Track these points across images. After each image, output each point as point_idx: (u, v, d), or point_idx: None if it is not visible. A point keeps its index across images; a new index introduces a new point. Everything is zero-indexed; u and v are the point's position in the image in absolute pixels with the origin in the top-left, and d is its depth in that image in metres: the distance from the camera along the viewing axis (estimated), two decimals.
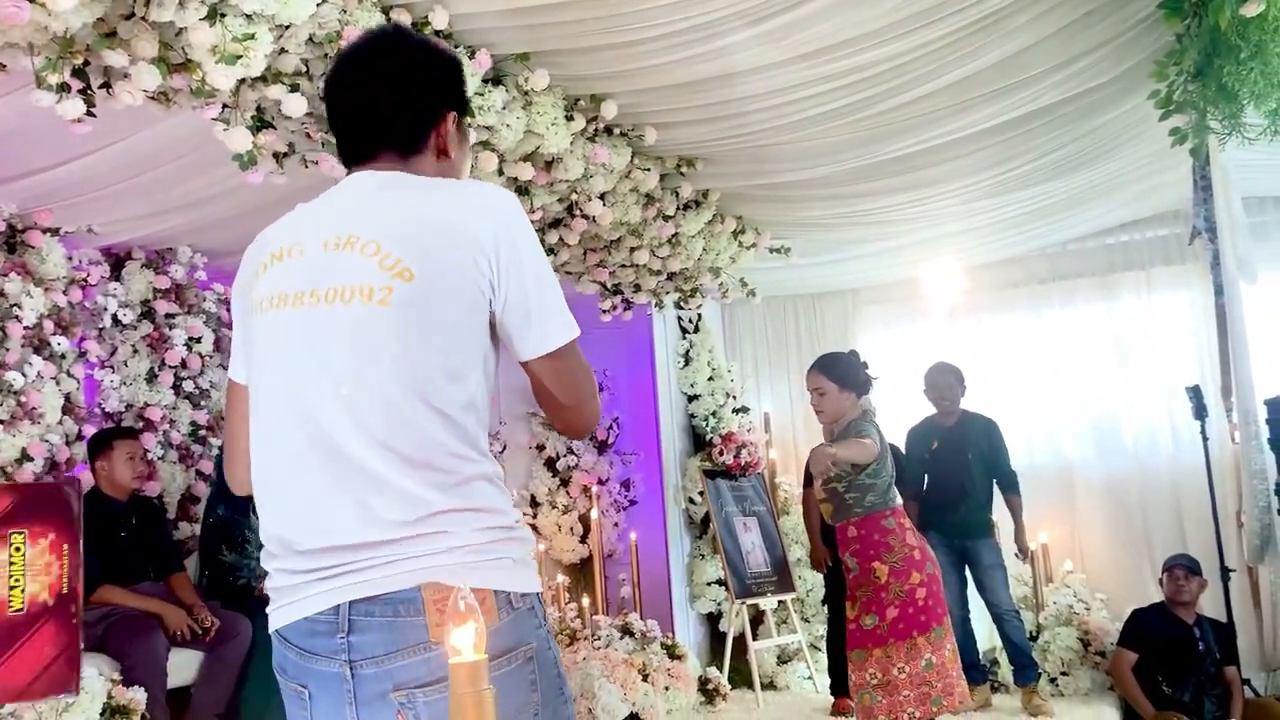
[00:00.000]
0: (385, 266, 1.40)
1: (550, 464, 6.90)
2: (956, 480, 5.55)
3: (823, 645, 6.66)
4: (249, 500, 4.36)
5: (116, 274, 4.85)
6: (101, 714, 3.37)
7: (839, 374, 4.19)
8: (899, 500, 4.16)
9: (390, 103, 1.57)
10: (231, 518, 4.34)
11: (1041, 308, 6.94)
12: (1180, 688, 5.12)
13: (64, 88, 2.77)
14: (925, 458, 5.70)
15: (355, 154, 1.60)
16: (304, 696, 1.46)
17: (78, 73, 2.81)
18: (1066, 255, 6.89)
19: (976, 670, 5.38)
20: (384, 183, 1.54)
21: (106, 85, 2.89)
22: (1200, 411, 5.48)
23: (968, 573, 5.58)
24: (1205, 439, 5.50)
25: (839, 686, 5.66)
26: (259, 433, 1.51)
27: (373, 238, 1.43)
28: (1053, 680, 5.76)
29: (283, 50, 2.97)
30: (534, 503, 6.89)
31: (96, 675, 3.40)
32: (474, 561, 1.39)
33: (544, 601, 1.49)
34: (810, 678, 6.37)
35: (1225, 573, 5.32)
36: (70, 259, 4.55)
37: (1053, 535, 6.60)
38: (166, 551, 4.48)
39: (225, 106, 3.11)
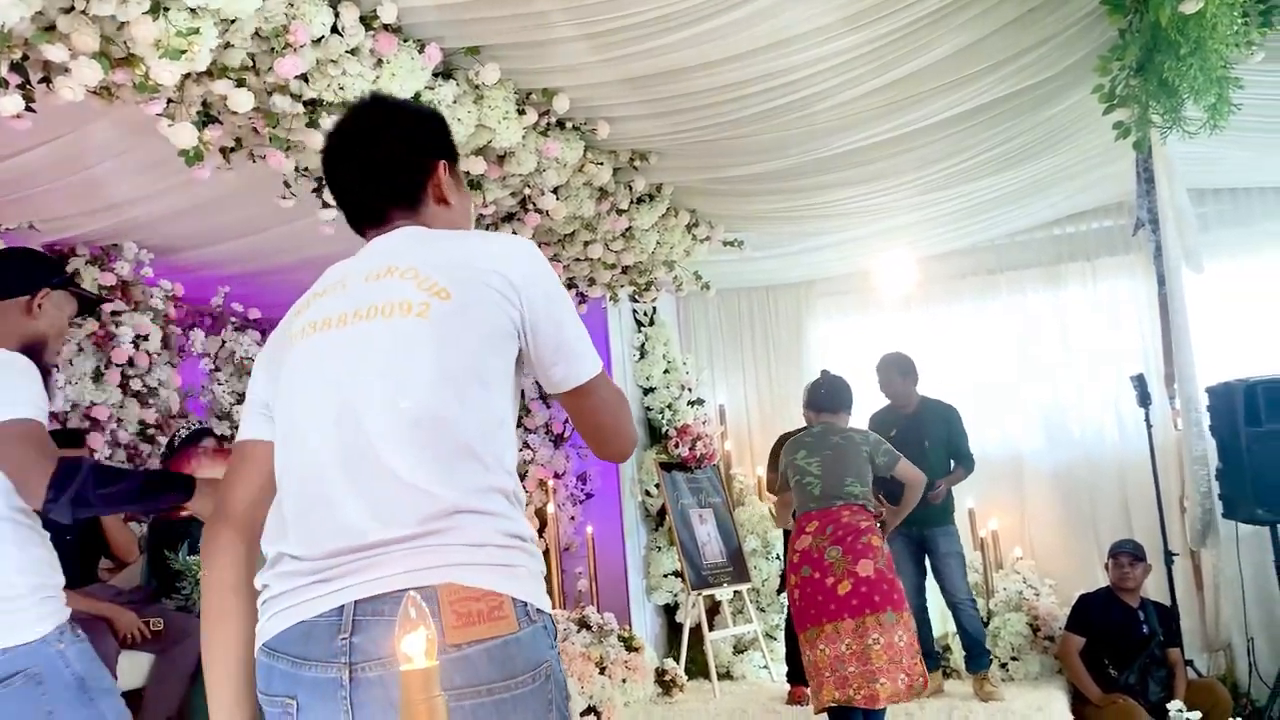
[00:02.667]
0: (423, 287, 1.50)
1: None
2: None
3: (778, 635, 6.73)
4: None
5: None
6: None
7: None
8: (815, 508, 4.30)
9: (382, 165, 1.69)
10: (179, 519, 4.27)
11: (990, 298, 7.04)
12: (1126, 670, 5.23)
13: (2, 83, 2.72)
14: None
15: (365, 218, 1.73)
16: (291, 710, 1.37)
17: (16, 67, 2.76)
18: (1014, 246, 6.99)
19: (930, 658, 5.45)
20: (411, 235, 1.66)
21: (46, 80, 2.84)
22: (1144, 399, 5.60)
23: (927, 562, 5.63)
24: (1149, 426, 5.61)
25: (796, 674, 5.72)
26: (284, 437, 1.52)
27: (410, 265, 1.54)
28: (1003, 665, 5.86)
29: (228, 45, 2.93)
30: None
31: None
32: (492, 564, 1.37)
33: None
34: (766, 667, 6.42)
35: (1169, 557, 5.44)
36: None
37: (1002, 522, 6.70)
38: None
39: (170, 101, 3.07)
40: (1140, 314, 6.53)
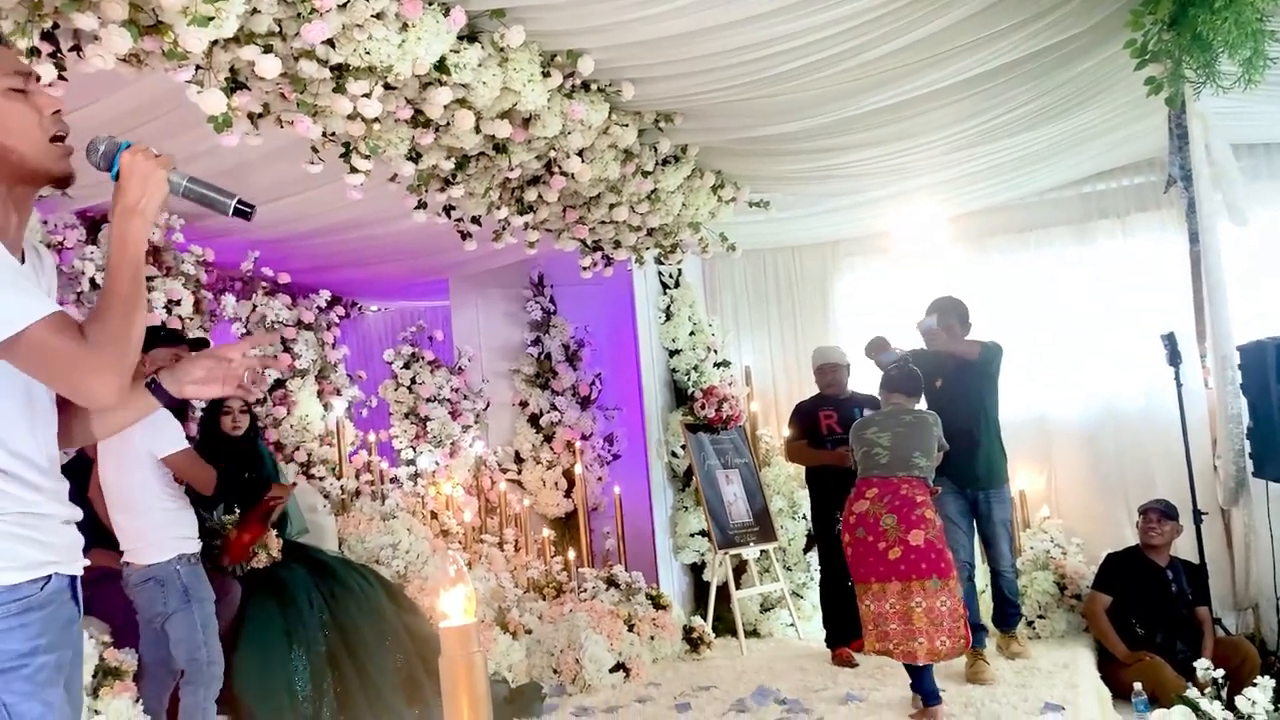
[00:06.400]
0: None
1: (534, 420, 6.94)
2: (962, 424, 5.16)
3: (805, 593, 6.77)
4: (234, 463, 4.35)
5: (93, 237, 4.82)
6: (94, 675, 3.41)
7: None
8: (878, 475, 4.54)
9: None
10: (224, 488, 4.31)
11: (1018, 256, 6.98)
12: (1153, 629, 5.24)
13: (34, 52, 2.75)
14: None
15: None
16: None
17: (47, 36, 2.79)
18: (1044, 204, 6.92)
19: (976, 631, 5.07)
20: None
21: (77, 48, 2.86)
22: (1174, 358, 5.55)
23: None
24: (1179, 385, 5.57)
25: (834, 637, 5.72)
26: None
27: None
28: (1029, 623, 5.88)
29: (255, 10, 2.94)
30: (518, 459, 6.95)
31: (87, 638, 3.42)
32: None
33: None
34: (793, 624, 6.48)
35: (1197, 516, 5.42)
36: (45, 223, 4.51)
37: (1030, 482, 6.70)
38: None
39: (198, 68, 3.08)
40: (1171, 272, 6.45)
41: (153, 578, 3.65)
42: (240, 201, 1.63)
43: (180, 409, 4.05)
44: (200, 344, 4.19)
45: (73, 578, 1.71)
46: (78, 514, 1.74)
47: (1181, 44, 3.65)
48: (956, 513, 5.28)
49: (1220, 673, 3.68)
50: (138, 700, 3.54)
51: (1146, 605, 5.30)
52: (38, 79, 1.70)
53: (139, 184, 1.60)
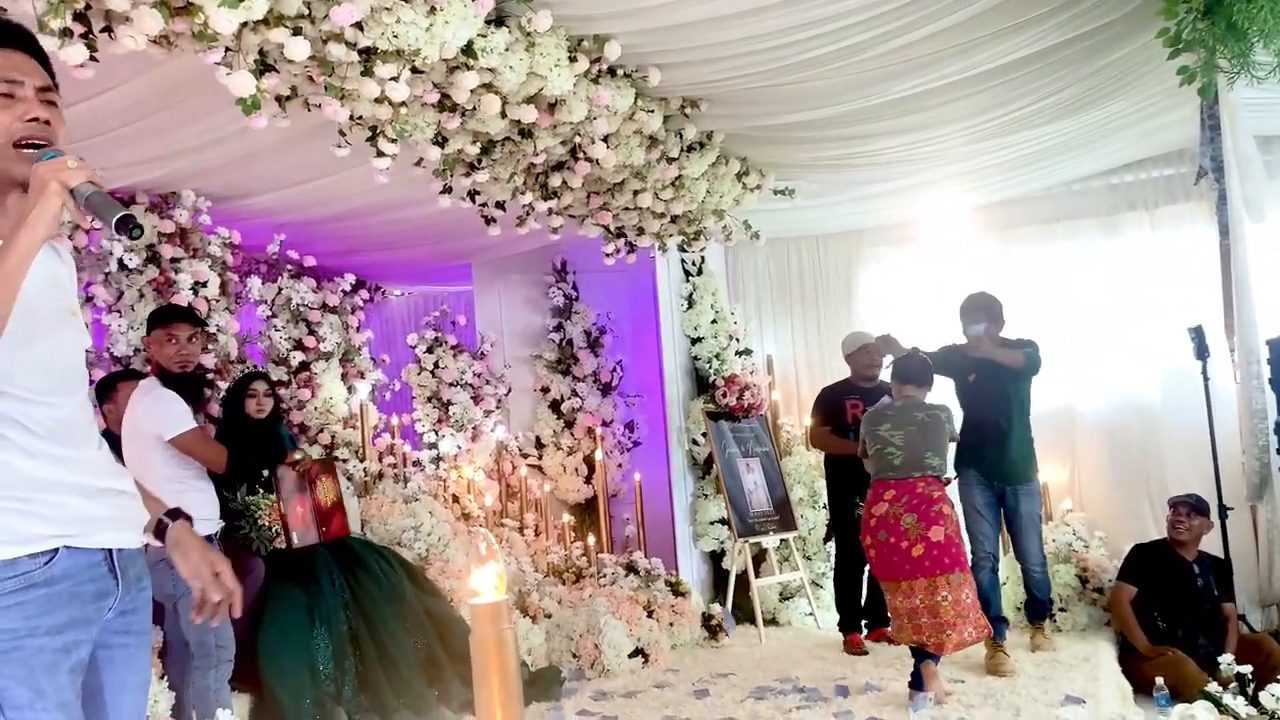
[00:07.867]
0: None
1: (555, 406, 6.96)
2: (992, 418, 5.25)
3: (824, 582, 6.77)
4: (251, 444, 4.37)
5: None
6: None
7: None
8: (894, 477, 4.59)
9: None
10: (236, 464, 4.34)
11: (1044, 248, 6.92)
12: (1176, 623, 5.21)
13: (66, 33, 2.77)
14: (955, 390, 5.41)
15: None
16: None
17: (79, 17, 2.80)
18: (1071, 195, 6.85)
19: (997, 623, 5.12)
20: None
21: (108, 29, 2.88)
22: (1201, 351, 5.50)
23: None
24: (1206, 379, 5.52)
25: (848, 623, 5.73)
26: None
27: None
28: (1051, 616, 5.85)
29: None
30: (539, 444, 6.96)
31: None
32: None
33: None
34: (812, 614, 6.48)
35: (1223, 511, 5.38)
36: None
37: (1053, 474, 6.65)
38: None
39: (228, 50, 3.10)
40: (1200, 265, 6.38)
41: (164, 559, 3.66)
42: (127, 217, 1.56)
43: (198, 389, 4.05)
44: (199, 322, 4.18)
45: (109, 551, 1.65)
46: (110, 483, 1.68)
47: (1216, 33, 3.60)
48: (983, 504, 5.30)
49: (1248, 668, 3.65)
50: (163, 676, 3.58)
51: (1171, 599, 5.26)
52: (44, 89, 1.66)
53: (33, 196, 1.54)
